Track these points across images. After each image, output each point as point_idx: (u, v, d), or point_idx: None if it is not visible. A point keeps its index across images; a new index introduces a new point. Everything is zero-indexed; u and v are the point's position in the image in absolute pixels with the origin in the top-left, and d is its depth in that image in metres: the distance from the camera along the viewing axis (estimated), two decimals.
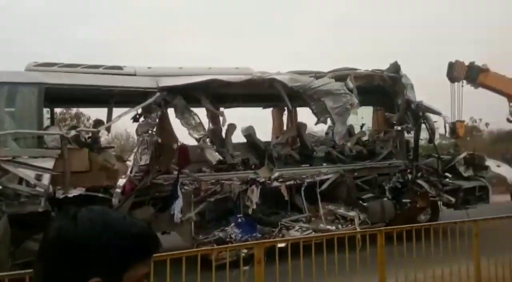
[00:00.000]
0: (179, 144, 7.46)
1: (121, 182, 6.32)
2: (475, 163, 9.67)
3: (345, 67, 9.40)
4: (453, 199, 8.70)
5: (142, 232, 0.91)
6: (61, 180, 5.91)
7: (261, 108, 10.70)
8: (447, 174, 9.42)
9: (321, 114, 8.69)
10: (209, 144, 7.83)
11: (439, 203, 8.99)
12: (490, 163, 10.23)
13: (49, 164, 5.74)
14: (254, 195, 7.87)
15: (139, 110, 7.21)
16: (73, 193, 5.90)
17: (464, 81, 12.29)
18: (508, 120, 14.18)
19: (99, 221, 0.87)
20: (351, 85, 8.84)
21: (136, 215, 6.54)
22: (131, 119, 7.49)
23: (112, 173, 6.38)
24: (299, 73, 8.64)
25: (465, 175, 9.35)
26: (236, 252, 6.02)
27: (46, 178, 5.70)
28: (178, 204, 7.17)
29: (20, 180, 5.60)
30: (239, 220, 7.97)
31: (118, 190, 6.20)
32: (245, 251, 6.21)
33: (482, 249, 4.96)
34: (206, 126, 8.35)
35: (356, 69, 9.42)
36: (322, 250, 4.44)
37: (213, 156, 7.60)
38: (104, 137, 8.53)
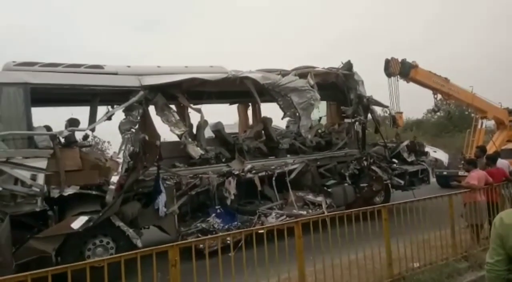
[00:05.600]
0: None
1: (114, 179, 6.46)
2: (416, 149, 11.12)
3: (304, 66, 10.23)
4: (402, 182, 9.99)
5: None
6: (55, 179, 5.93)
7: (227, 104, 11.15)
8: (394, 160, 10.72)
9: (287, 109, 9.44)
10: (189, 139, 8.13)
11: (389, 185, 10.22)
12: (428, 148, 11.77)
13: (42, 163, 5.74)
14: (232, 187, 8.36)
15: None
16: (68, 191, 5.97)
17: (398, 76, 13.68)
18: (434, 110, 16.08)
19: None
20: (312, 82, 9.68)
21: (125, 210, 6.75)
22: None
23: (104, 170, 6.50)
24: (267, 71, 9.27)
25: (409, 160, 10.73)
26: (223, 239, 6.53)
27: (41, 178, 5.72)
28: (162, 199, 7.42)
29: (15, 181, 5.55)
30: (218, 211, 8.44)
31: (112, 187, 6.35)
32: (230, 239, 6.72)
33: (392, 231, 5.25)
34: None
35: (314, 67, 10.29)
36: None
37: (196, 151, 7.95)
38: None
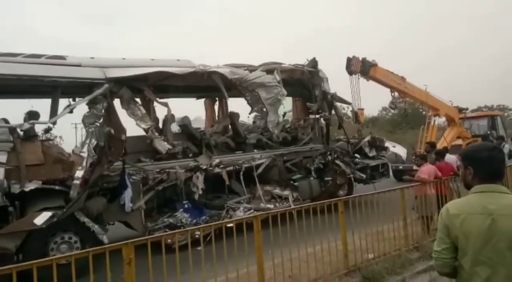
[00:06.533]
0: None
1: (78, 173, 6.25)
2: (377, 144, 11.59)
3: (271, 62, 10.34)
4: (364, 175, 10.40)
5: None
6: (15, 174, 5.66)
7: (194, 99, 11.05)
8: (356, 155, 11.12)
9: (255, 104, 9.52)
10: (156, 133, 7.99)
11: (352, 179, 10.60)
12: (388, 144, 12.30)
13: (1, 157, 5.46)
14: (199, 181, 8.33)
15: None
16: (29, 186, 5.71)
17: (359, 74, 14.07)
18: (391, 107, 16.80)
19: None
20: (278, 77, 9.80)
21: (89, 206, 6.56)
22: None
23: (68, 165, 6.26)
24: (234, 66, 9.28)
25: (370, 155, 11.16)
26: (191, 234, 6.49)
27: (0, 172, 5.43)
28: (128, 194, 7.28)
29: None
30: (186, 206, 8.38)
31: (76, 182, 6.14)
32: (199, 233, 6.70)
33: (349, 223, 5.40)
34: None
35: (281, 64, 10.43)
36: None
37: (163, 146, 7.84)
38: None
